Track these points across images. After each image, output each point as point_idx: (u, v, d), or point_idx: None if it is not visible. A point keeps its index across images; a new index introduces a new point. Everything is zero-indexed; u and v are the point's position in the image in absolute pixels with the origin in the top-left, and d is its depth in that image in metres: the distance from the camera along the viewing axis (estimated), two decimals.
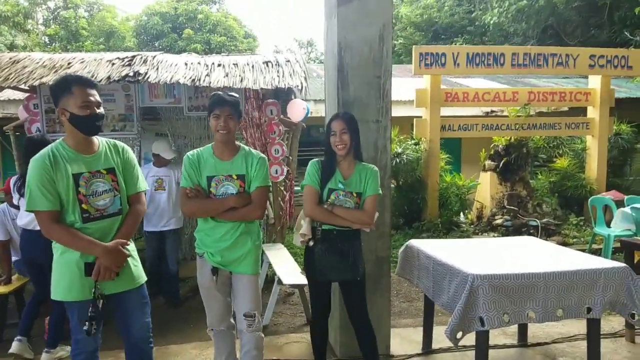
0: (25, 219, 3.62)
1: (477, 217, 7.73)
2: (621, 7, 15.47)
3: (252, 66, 5.06)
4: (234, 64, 5.05)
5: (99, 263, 2.36)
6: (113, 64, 4.75)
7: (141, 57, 4.83)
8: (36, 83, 4.35)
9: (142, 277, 2.60)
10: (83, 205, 2.36)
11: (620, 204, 6.60)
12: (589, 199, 6.83)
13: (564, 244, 6.30)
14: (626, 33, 13.03)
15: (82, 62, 4.76)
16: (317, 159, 2.92)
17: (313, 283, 2.97)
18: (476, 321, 2.69)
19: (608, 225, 6.37)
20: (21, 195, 3.70)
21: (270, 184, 2.93)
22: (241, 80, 4.76)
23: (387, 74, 3.44)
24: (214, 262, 2.75)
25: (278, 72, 5.00)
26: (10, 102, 8.61)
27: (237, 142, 2.88)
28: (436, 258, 3.08)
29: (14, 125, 5.14)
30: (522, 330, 3.74)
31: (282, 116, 5.53)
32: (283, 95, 5.62)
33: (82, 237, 2.34)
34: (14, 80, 4.36)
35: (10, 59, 4.73)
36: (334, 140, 2.80)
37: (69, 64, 4.71)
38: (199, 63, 4.99)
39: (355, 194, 2.80)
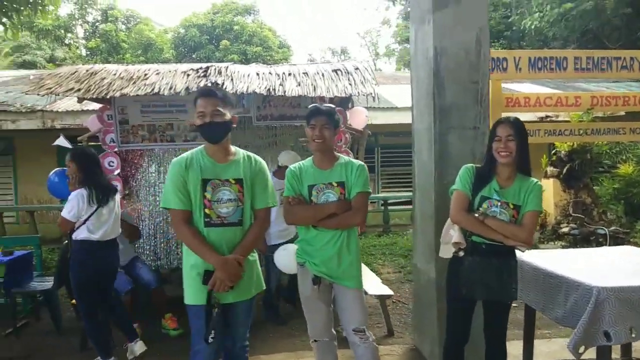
0: (84, 232, 3.54)
1: (540, 225, 7.50)
2: None
3: (322, 75, 5.02)
4: (304, 73, 5.02)
5: (215, 274, 2.40)
6: (188, 75, 4.78)
7: (215, 68, 4.85)
8: (117, 94, 4.41)
9: (259, 287, 2.63)
10: (206, 210, 2.45)
11: None
12: None
13: None
14: None
15: (158, 74, 4.80)
16: (471, 164, 2.77)
17: (455, 299, 2.73)
18: (600, 335, 2.55)
19: None
20: (100, 204, 3.61)
21: (370, 190, 2.87)
22: (314, 89, 4.73)
23: (485, 79, 3.35)
24: (317, 271, 2.72)
25: (349, 79, 4.95)
26: (68, 114, 8.80)
27: (335, 152, 2.89)
28: (547, 270, 2.94)
29: (88, 136, 5.22)
30: (626, 345, 3.55)
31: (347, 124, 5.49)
32: (342, 104, 5.58)
33: (204, 243, 2.42)
34: (94, 92, 4.43)
35: (87, 71, 4.81)
36: (497, 146, 2.59)
37: (145, 75, 4.76)
38: (270, 73, 4.98)
39: (512, 206, 2.58)
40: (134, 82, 4.60)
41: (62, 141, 5.42)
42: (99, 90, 4.44)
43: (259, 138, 5.65)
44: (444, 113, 3.29)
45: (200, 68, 4.87)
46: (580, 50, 11.05)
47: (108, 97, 4.43)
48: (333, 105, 2.94)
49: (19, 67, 19.46)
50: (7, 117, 8.81)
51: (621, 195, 7.71)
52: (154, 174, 5.48)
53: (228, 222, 2.49)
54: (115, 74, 4.75)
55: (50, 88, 4.43)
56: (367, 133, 5.73)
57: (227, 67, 4.96)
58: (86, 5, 22.17)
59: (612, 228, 6.93)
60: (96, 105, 8.14)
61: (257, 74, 4.91)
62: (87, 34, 23.19)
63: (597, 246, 6.33)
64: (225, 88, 4.51)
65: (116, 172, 5.27)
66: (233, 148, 2.60)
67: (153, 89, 4.47)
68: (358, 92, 4.76)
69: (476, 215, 2.59)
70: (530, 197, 2.58)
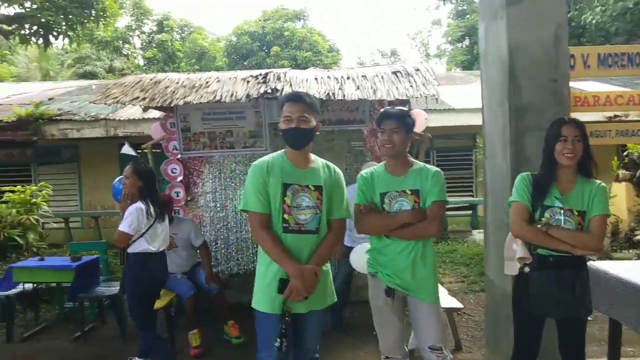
0: (144, 245, 3.56)
1: (612, 232, 7.04)
2: None
3: (382, 77, 4.90)
4: (362, 76, 4.92)
5: (291, 283, 2.33)
6: (248, 81, 4.78)
7: (274, 74, 4.83)
8: (180, 103, 4.46)
9: (331, 299, 2.56)
10: (285, 215, 2.42)
11: None
12: None
13: None
14: None
15: (218, 81, 4.84)
16: (526, 173, 2.62)
17: (523, 317, 2.58)
18: None
19: None
20: (158, 218, 3.65)
21: (447, 199, 2.73)
22: (374, 92, 4.62)
23: (564, 78, 3.13)
24: (390, 282, 2.60)
25: (409, 81, 4.81)
26: (130, 122, 9.10)
27: (410, 158, 2.76)
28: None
29: (152, 144, 5.33)
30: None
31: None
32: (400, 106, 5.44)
33: (283, 250, 2.38)
34: (159, 100, 4.50)
35: (151, 80, 4.91)
36: (563, 148, 2.41)
37: (206, 83, 4.80)
38: (328, 77, 4.91)
39: (576, 212, 2.41)
40: (196, 90, 4.64)
41: (127, 149, 5.57)
42: (163, 98, 4.50)
43: (317, 143, 5.56)
44: (519, 113, 3.10)
45: (260, 74, 4.86)
46: None
47: (171, 105, 4.49)
48: (405, 108, 2.82)
49: (80, 78, 20.50)
50: (72, 126, 9.20)
51: None
52: (214, 181, 5.53)
53: (305, 229, 2.45)
54: (178, 83, 4.82)
55: (116, 97, 4.53)
56: (427, 136, 5.55)
57: (286, 72, 4.93)
58: (142, 17, 22.99)
59: None
60: (158, 114, 8.43)
61: (316, 79, 4.86)
62: (144, 44, 24.06)
63: None
64: (284, 93, 4.49)
65: (179, 179, 5.37)
66: (312, 155, 2.58)
67: (215, 97, 4.49)
68: (420, 94, 4.60)
69: (538, 226, 2.42)
70: (595, 200, 2.40)
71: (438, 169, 2.73)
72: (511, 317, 3.16)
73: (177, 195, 5.33)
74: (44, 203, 7.15)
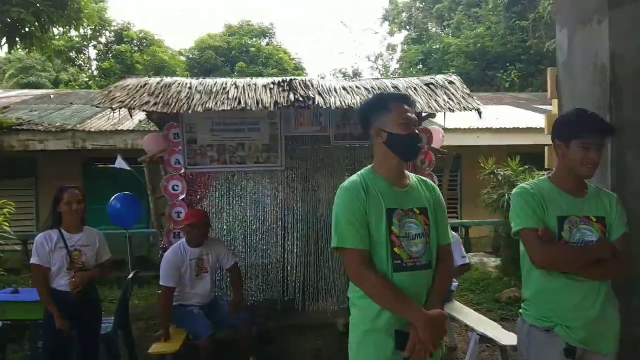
0: None
1: None
2: None
3: (415, 89, 4.54)
4: (394, 87, 4.53)
5: (414, 335, 1.79)
6: (270, 89, 4.28)
7: (300, 82, 4.35)
8: (199, 109, 3.90)
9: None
10: (395, 249, 1.89)
11: None
12: None
13: None
14: None
15: (236, 88, 4.31)
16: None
17: None
18: None
19: None
20: None
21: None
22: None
23: None
24: (575, 340, 2.02)
25: (447, 94, 4.46)
26: (101, 134, 8.25)
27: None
28: None
29: (150, 157, 4.66)
30: None
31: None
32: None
33: (398, 291, 1.85)
34: (175, 106, 3.91)
35: (158, 84, 4.31)
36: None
37: (224, 88, 4.26)
38: (357, 87, 4.49)
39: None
40: (215, 96, 4.08)
41: (120, 163, 4.90)
42: (179, 104, 3.91)
43: (337, 161, 5.09)
44: (620, 130, 2.76)
45: (283, 81, 4.36)
46: None
47: (191, 111, 3.89)
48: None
49: (23, 89, 19.05)
50: (35, 137, 8.24)
51: None
52: (221, 200, 4.91)
53: (421, 263, 1.92)
54: (190, 87, 4.24)
55: (123, 101, 3.91)
56: (452, 155, 5.22)
57: (312, 80, 4.46)
58: (101, 27, 21.87)
59: None
60: (132, 125, 7.69)
61: (344, 89, 4.42)
62: (101, 54, 22.83)
63: None
64: (317, 103, 4.02)
65: (181, 198, 4.72)
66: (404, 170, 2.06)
67: (239, 103, 3.95)
68: (463, 108, 4.26)
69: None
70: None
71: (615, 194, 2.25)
72: None
73: (179, 217, 4.66)
74: (5, 223, 6.22)
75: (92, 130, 8.30)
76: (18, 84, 21.58)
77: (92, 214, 9.28)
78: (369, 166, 2.04)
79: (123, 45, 21.63)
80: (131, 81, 4.36)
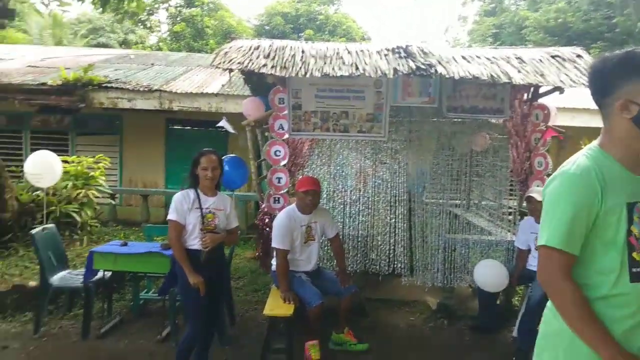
0: None
1: None
2: None
3: (540, 60, 4.21)
4: (518, 59, 4.21)
5: None
6: (385, 54, 4.08)
7: (418, 48, 4.12)
8: (317, 74, 3.74)
9: None
10: (634, 254, 1.49)
11: None
12: None
13: None
14: None
15: (349, 53, 4.13)
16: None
17: None
18: None
19: None
20: None
21: None
22: (542, 77, 3.93)
23: None
24: None
25: (578, 69, 4.11)
26: (186, 96, 8.34)
27: None
28: None
29: (254, 120, 4.60)
30: None
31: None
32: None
33: (597, 318, 1.48)
34: (292, 69, 3.79)
35: (270, 46, 4.20)
36: None
37: (337, 53, 4.10)
38: (478, 56, 4.20)
39: None
40: (331, 62, 3.93)
41: (225, 124, 4.88)
42: (297, 67, 3.79)
43: (445, 134, 4.86)
44: None
45: (399, 47, 4.14)
46: None
47: (309, 75, 3.76)
48: None
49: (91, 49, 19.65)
50: (123, 95, 8.41)
51: None
52: (322, 168, 4.83)
53: None
54: (303, 51, 4.11)
55: (241, 62, 3.83)
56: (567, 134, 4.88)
57: (428, 47, 4.22)
58: None
59: None
60: (215, 89, 7.73)
61: (463, 57, 4.15)
62: (171, 17, 23.17)
63: None
64: (439, 72, 3.79)
65: (282, 163, 4.65)
66: None
67: (356, 69, 3.79)
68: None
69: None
70: None
71: None
72: None
73: (279, 182, 4.60)
74: (101, 177, 6.44)
75: (178, 91, 8.40)
76: (88, 44, 22.29)
77: (172, 174, 9.63)
78: (593, 145, 1.61)
79: (194, 8, 21.81)
80: (243, 42, 4.26)
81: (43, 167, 5.35)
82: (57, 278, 4.24)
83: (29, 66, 10.04)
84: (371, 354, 3.93)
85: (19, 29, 21.84)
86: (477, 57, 4.18)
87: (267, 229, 4.40)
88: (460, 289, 4.99)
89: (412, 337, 4.36)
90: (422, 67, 3.78)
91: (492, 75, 3.81)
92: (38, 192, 5.98)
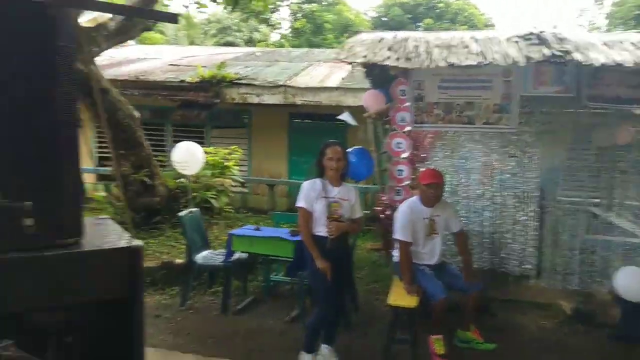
0: None
1: None
2: None
3: None
4: None
5: None
6: (515, 41, 3.92)
7: (552, 34, 3.90)
8: (442, 64, 3.71)
9: None
10: None
11: None
12: None
13: None
14: None
15: (476, 41, 4.04)
16: None
17: None
18: None
19: None
20: None
21: None
22: None
23: None
24: None
25: None
26: (308, 90, 8.70)
27: None
28: None
29: (376, 113, 4.70)
30: None
31: None
32: None
33: None
34: (416, 60, 3.82)
35: (394, 38, 4.26)
36: None
37: (462, 42, 4.03)
38: (620, 42, 3.86)
39: None
40: (456, 51, 3.88)
41: (347, 117, 5.04)
42: (419, 59, 3.81)
43: (582, 126, 4.52)
44: None
45: (531, 33, 3.95)
46: None
47: (434, 66, 3.76)
48: None
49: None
50: (252, 91, 9.04)
51: None
52: (444, 160, 4.78)
53: None
54: (427, 42, 4.10)
55: (365, 55, 3.95)
56: None
57: (562, 33, 3.97)
58: None
59: None
60: (335, 82, 7.92)
61: (605, 43, 3.83)
62: (293, 14, 24.07)
63: None
64: (576, 59, 3.55)
65: (403, 156, 4.69)
66: None
67: (484, 58, 3.69)
68: None
69: None
70: None
71: None
72: None
73: (400, 174, 4.66)
74: (235, 167, 7.01)
75: (301, 86, 8.79)
76: (217, 43, 23.98)
77: (294, 165, 10.13)
78: None
79: (314, 4, 22.43)
80: (367, 36, 4.38)
81: (189, 157, 5.98)
82: (201, 257, 4.73)
83: (170, 64, 11.17)
84: (500, 355, 3.81)
85: (157, 30, 24.22)
86: (620, 42, 3.84)
87: (388, 220, 4.49)
88: (599, 294, 4.63)
89: (545, 341, 4.15)
90: (558, 54, 3.58)
91: (638, 62, 3.48)
92: (182, 179, 6.68)
